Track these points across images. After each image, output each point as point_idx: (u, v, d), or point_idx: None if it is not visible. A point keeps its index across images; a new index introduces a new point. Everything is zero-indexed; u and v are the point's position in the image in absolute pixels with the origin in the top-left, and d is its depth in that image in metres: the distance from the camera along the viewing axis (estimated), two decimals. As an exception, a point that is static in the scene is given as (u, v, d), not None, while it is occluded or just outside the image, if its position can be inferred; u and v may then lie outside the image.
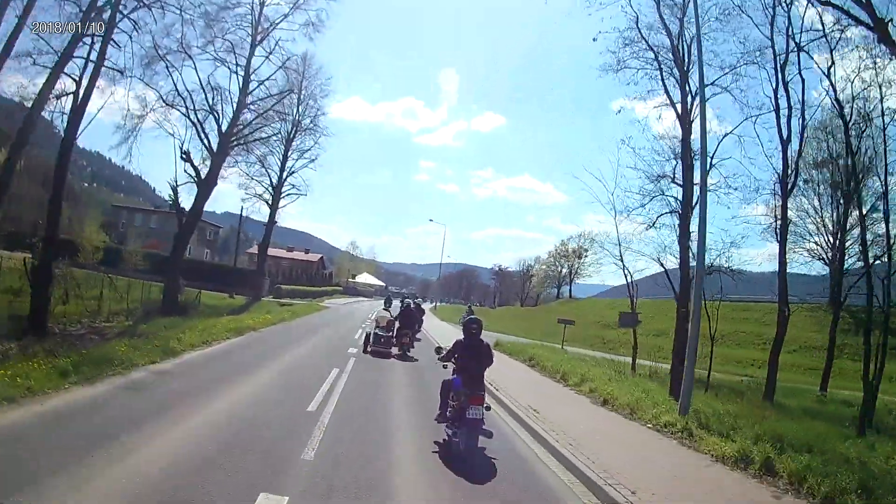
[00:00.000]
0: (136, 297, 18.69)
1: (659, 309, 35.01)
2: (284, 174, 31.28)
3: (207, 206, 20.08)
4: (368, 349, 14.42)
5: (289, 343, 15.12)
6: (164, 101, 18.77)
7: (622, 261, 15.62)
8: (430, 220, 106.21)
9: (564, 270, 68.84)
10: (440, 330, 26.53)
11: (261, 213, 32.27)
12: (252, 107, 19.97)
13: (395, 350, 14.59)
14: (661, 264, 14.80)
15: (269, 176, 30.85)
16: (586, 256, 64.37)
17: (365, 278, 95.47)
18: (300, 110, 31.66)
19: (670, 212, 15.51)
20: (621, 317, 33.66)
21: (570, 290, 70.09)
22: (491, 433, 6.51)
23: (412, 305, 16.84)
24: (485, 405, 6.38)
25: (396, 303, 18.72)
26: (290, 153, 31.27)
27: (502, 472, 6.00)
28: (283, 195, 31.58)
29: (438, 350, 7.64)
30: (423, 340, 18.39)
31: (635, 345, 14.90)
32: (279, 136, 30.92)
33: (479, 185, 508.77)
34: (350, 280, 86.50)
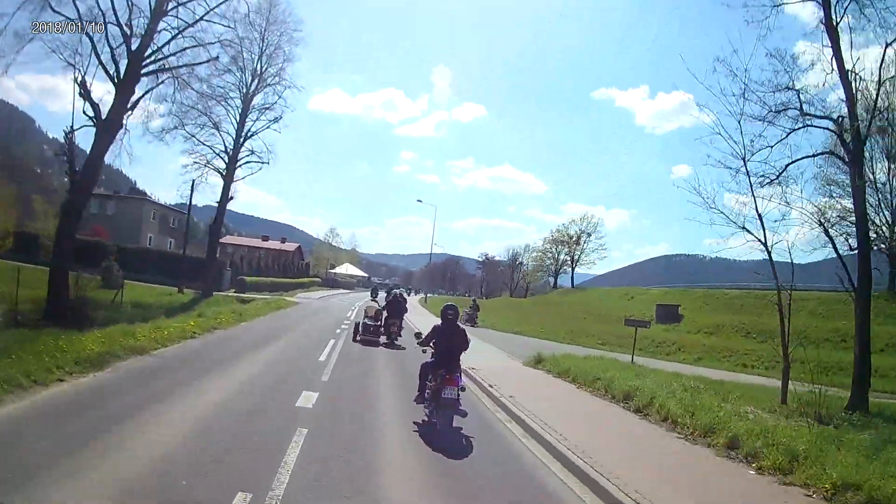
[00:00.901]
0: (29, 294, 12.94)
1: (686, 299, 30.07)
2: (242, 137, 25.02)
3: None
4: (358, 338, 15.04)
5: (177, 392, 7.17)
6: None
7: (765, 237, 10.15)
8: (419, 201, 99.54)
9: (563, 257, 63.84)
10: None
11: (237, 200, 26.13)
12: (172, 14, 13.80)
13: (383, 339, 15.18)
14: (828, 235, 9.40)
15: (222, 140, 24.66)
16: (588, 242, 59.30)
17: (346, 269, 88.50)
18: (262, 61, 25.45)
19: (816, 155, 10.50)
20: (659, 311, 28.82)
21: (573, 279, 64.89)
22: (465, 412, 6.68)
23: (398, 296, 16.83)
24: (460, 386, 6.64)
25: (382, 294, 18.25)
26: (249, 112, 25.05)
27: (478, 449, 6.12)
28: (239, 163, 25.34)
29: (418, 335, 7.89)
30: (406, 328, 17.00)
31: (787, 365, 9.10)
32: (237, 89, 24.78)
33: (459, 175, 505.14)
34: (329, 271, 79.79)
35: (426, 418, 6.84)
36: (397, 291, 17.83)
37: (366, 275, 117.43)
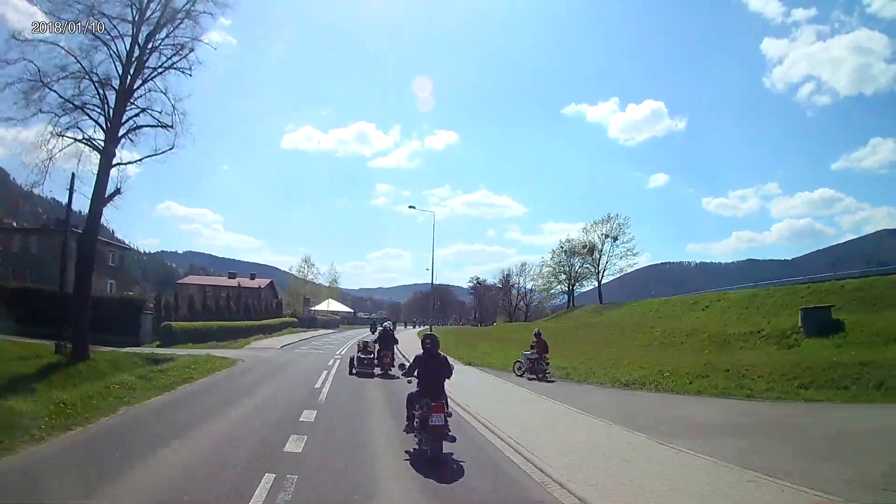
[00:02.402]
0: None
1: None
2: (130, 86, 15.08)
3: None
4: (353, 371, 15.80)
5: None
6: None
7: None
8: (412, 207, 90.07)
9: (579, 269, 54.99)
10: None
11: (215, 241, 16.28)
12: None
13: (377, 370, 15.75)
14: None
15: (98, 93, 14.84)
16: (614, 247, 50.63)
17: (328, 304, 77.76)
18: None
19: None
20: (808, 318, 19.62)
21: (600, 294, 55.32)
22: (454, 437, 6.80)
23: (388, 329, 17.26)
24: (447, 412, 6.82)
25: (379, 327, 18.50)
26: (145, 44, 15.41)
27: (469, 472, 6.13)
28: (125, 127, 14.98)
29: (402, 366, 9.08)
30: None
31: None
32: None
33: (436, 204, 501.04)
34: (308, 308, 68.84)
35: (416, 447, 6.91)
36: (388, 325, 18.32)
37: (351, 310, 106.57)
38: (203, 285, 70.71)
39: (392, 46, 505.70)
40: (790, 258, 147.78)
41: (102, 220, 16.78)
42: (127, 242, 59.92)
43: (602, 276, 52.72)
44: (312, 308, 72.27)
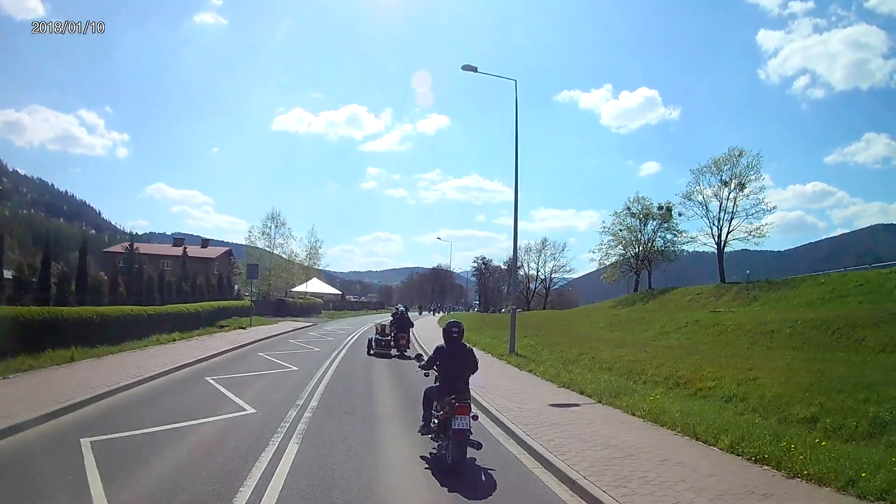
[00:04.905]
0: None
1: None
2: None
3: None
4: (371, 352, 17.31)
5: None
6: None
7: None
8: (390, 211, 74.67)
9: (659, 241, 41.57)
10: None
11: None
12: None
13: (394, 351, 17.39)
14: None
15: None
16: (741, 197, 34.52)
17: (309, 286, 63.00)
18: None
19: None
20: None
21: (650, 278, 42.83)
22: (479, 444, 6.10)
23: (403, 313, 18.47)
24: (472, 414, 6.03)
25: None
26: None
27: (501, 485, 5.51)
28: None
29: (419, 357, 7.29)
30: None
31: None
32: None
33: (426, 188, 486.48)
34: (249, 287, 45.06)
35: (434, 451, 6.29)
36: (402, 308, 19.02)
37: (338, 292, 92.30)
38: (142, 254, 55.47)
39: (385, 30, 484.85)
40: (783, 249, 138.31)
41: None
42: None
43: (724, 243, 35.07)
44: (294, 289, 57.07)
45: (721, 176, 34.48)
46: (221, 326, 24.76)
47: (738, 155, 33.86)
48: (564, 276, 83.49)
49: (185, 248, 42.11)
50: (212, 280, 36.24)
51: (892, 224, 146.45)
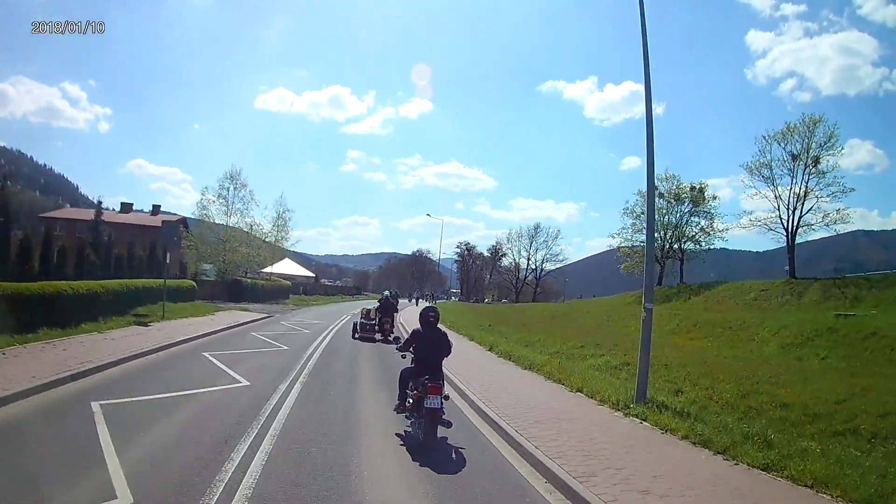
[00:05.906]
0: None
1: None
2: None
3: None
4: (356, 336, 16.95)
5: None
6: None
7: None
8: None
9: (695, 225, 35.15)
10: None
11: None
12: None
13: (378, 336, 16.91)
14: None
15: None
16: (815, 176, 27.95)
17: (275, 268, 54.38)
18: None
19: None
20: None
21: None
22: (450, 423, 6.30)
23: (389, 298, 17.90)
24: (444, 394, 6.18)
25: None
26: None
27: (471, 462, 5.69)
28: None
29: (397, 340, 7.65)
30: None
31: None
32: None
33: (406, 172, 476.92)
34: (192, 269, 35.34)
35: (408, 429, 6.52)
36: (388, 293, 18.51)
37: (311, 274, 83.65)
38: (77, 220, 46.57)
39: (371, 11, 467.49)
40: (761, 250, 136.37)
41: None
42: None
43: (795, 230, 28.52)
44: (262, 270, 48.19)
45: (787, 147, 28.03)
46: (138, 315, 16.87)
47: (814, 122, 27.46)
48: (557, 265, 77.77)
49: (100, 211, 32.44)
50: (138, 252, 27.86)
51: (873, 230, 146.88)
